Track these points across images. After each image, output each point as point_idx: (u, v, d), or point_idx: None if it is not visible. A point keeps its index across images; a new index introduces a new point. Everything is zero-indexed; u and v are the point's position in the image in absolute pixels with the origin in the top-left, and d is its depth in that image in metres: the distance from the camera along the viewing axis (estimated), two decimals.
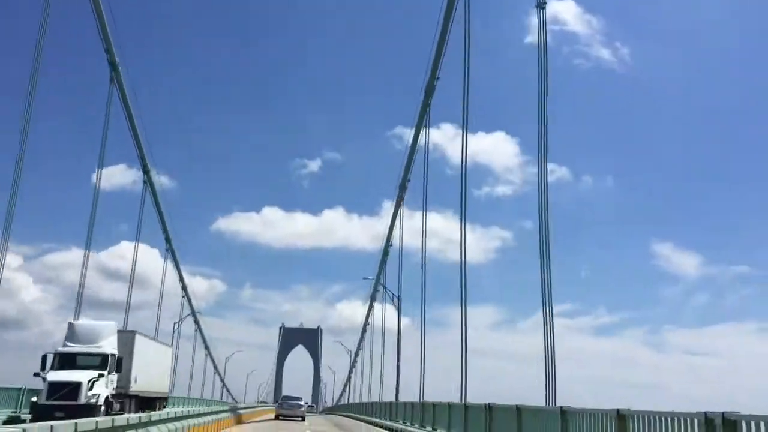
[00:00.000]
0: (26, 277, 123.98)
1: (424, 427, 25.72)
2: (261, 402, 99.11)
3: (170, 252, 51.31)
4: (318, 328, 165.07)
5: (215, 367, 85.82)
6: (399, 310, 39.63)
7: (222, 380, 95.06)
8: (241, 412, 38.15)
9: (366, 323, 64.29)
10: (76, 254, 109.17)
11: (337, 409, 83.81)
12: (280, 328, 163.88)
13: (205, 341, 76.61)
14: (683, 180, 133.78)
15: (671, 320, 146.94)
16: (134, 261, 41.75)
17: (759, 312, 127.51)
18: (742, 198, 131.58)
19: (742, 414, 7.37)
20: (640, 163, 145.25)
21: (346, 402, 79.79)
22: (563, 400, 16.53)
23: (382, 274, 47.94)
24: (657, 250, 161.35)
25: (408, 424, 29.98)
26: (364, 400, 57.10)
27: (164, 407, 32.30)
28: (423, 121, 34.75)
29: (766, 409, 8.17)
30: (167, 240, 49.82)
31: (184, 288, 61.09)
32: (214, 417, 23.88)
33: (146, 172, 41.28)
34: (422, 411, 27.96)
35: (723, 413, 7.54)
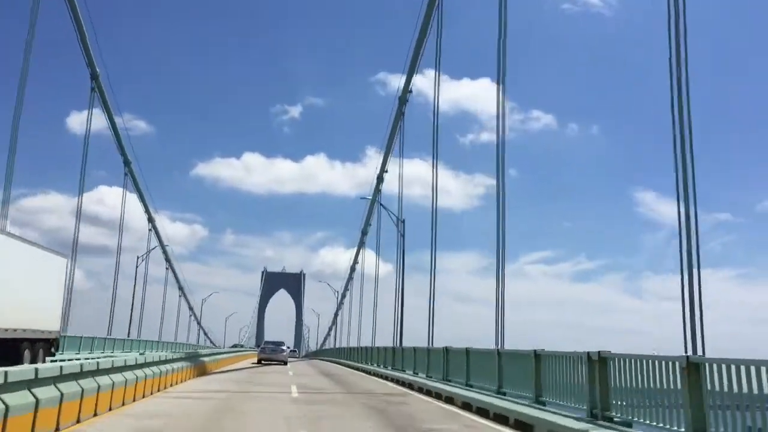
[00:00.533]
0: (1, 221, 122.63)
1: (401, 370, 27.33)
2: (237, 346, 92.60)
3: (131, 178, 50.96)
4: (301, 272, 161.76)
5: (191, 308, 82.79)
6: (401, 247, 37.23)
7: (198, 323, 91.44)
8: (206, 359, 26.81)
9: (355, 263, 62.50)
10: (52, 199, 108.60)
11: (320, 353, 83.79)
12: (263, 272, 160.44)
13: (178, 280, 74.13)
14: (668, 128, 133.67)
15: (651, 267, 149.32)
16: (81, 192, 41.36)
17: (738, 259, 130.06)
18: (726, 146, 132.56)
19: (706, 357, 8.21)
20: (626, 111, 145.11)
21: (332, 347, 78.59)
22: (539, 342, 17.51)
23: (376, 199, 47.55)
24: (640, 198, 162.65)
25: (382, 366, 32.01)
26: (351, 344, 57.62)
27: (52, 353, 22.59)
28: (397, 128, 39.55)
29: (740, 352, 8.90)
30: (125, 163, 49.97)
31: (150, 220, 59.26)
32: (149, 372, 14.55)
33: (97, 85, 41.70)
34: (393, 355, 30.05)
35: (687, 357, 8.23)
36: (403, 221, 37.99)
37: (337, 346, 71.70)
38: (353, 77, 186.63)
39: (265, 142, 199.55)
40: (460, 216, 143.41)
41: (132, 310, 52.85)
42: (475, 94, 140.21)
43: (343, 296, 69.88)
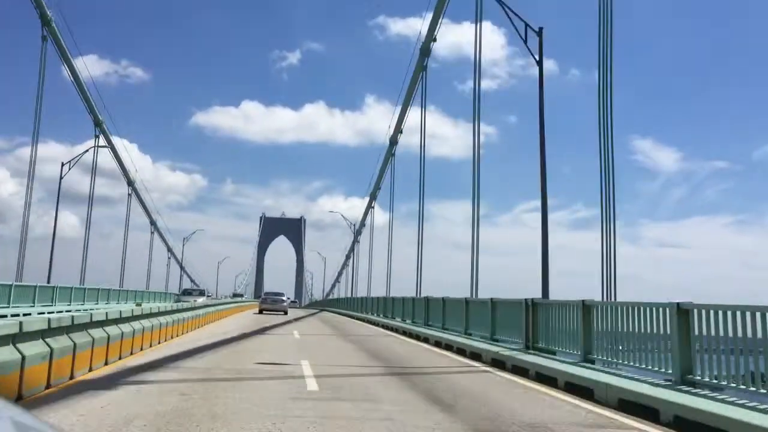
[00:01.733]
0: (2, 171, 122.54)
1: (388, 317, 30.21)
2: (237, 296, 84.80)
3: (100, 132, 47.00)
4: (301, 218, 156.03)
5: (169, 250, 75.61)
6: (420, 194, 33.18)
7: (182, 268, 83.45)
8: (186, 315, 19.43)
9: (363, 222, 57.86)
10: (51, 148, 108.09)
11: (321, 304, 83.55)
12: (261, 218, 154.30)
13: (153, 222, 68.25)
14: (667, 75, 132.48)
15: (647, 215, 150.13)
16: (35, 144, 37.20)
17: (734, 206, 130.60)
18: (724, 94, 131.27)
19: (694, 303, 8.24)
20: (626, 57, 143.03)
21: (339, 296, 76.05)
22: (533, 290, 18.02)
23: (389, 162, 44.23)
24: (637, 145, 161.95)
25: (377, 315, 33.68)
26: (359, 295, 55.92)
27: None
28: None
29: (730, 295, 9.07)
30: (96, 123, 46.70)
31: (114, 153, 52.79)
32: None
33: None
34: (384, 305, 31.94)
35: (678, 304, 8.43)
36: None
37: (345, 295, 68.08)
38: (352, 22, 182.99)
39: (264, 89, 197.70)
40: (458, 164, 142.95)
41: (85, 254, 47.60)
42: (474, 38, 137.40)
43: (352, 248, 65.32)
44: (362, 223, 58.91)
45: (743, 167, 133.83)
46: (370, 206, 52.79)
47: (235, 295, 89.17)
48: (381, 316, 31.84)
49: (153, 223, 69.25)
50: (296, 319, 33.26)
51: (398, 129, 40.91)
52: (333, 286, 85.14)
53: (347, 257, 70.92)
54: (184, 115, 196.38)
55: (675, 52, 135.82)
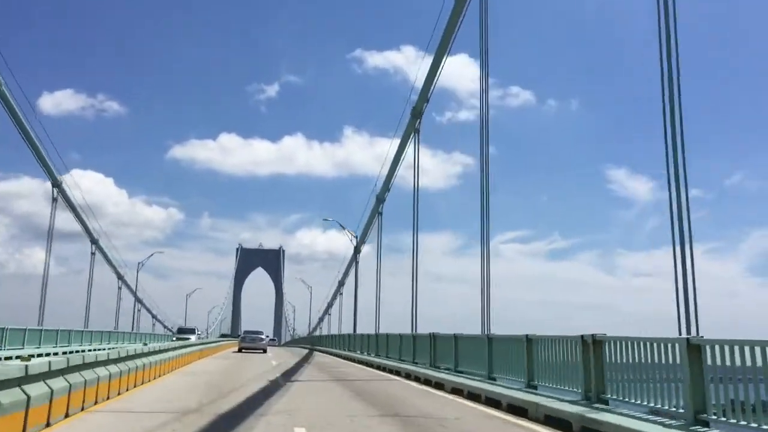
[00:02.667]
0: None
1: (374, 355, 29.35)
2: (222, 336, 76.56)
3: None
4: (280, 248, 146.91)
5: (125, 287, 69.73)
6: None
7: (139, 301, 75.35)
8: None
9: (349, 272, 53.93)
10: (25, 183, 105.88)
11: (306, 341, 77.42)
12: (237, 249, 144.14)
13: (120, 276, 65.30)
14: (642, 104, 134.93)
15: (623, 244, 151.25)
16: None
17: (706, 235, 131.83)
18: (696, 124, 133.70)
19: (608, 335, 9.05)
20: (603, 87, 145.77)
21: (325, 332, 70.78)
22: (512, 320, 17.80)
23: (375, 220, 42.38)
24: (612, 175, 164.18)
25: (358, 352, 33.87)
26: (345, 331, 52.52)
27: None
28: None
29: (706, 323, 9.20)
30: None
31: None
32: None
33: None
34: (368, 342, 32.69)
35: (593, 335, 9.41)
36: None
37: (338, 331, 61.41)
38: (330, 54, 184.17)
39: (241, 122, 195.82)
40: (436, 196, 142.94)
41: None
42: (452, 71, 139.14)
43: (342, 283, 60.68)
44: (351, 263, 53.36)
45: (715, 195, 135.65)
46: (354, 260, 49.93)
47: (222, 336, 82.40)
48: (366, 354, 30.83)
49: (120, 277, 67.55)
50: (286, 377, 27.13)
51: (386, 187, 39.33)
52: (320, 321, 78.25)
53: (331, 300, 68.22)
54: (161, 148, 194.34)
55: (651, 79, 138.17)
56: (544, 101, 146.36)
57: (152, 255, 75.04)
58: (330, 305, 69.79)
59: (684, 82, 12.41)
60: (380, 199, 40.27)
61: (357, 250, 48.72)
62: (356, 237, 47.93)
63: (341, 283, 60.30)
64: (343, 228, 49.51)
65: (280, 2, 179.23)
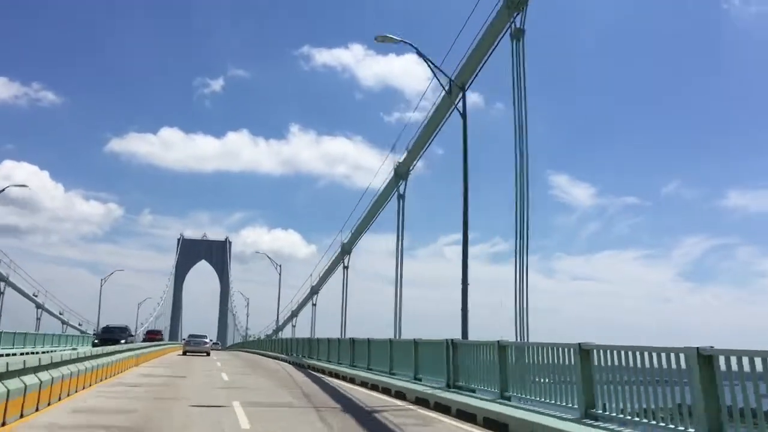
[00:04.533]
0: None
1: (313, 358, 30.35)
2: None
3: None
4: (226, 239, 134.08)
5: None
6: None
7: (34, 301, 70.88)
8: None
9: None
10: None
11: (247, 345, 75.31)
12: (179, 239, 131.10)
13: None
14: (581, 113, 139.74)
15: (563, 248, 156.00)
16: None
17: (642, 240, 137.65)
18: (635, 134, 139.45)
19: (511, 341, 8.97)
20: (551, 95, 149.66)
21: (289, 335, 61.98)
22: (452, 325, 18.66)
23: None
24: (554, 180, 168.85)
25: (300, 356, 33.92)
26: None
27: None
28: None
29: (639, 325, 10.32)
30: None
31: None
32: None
33: None
34: (305, 345, 32.98)
35: (509, 343, 9.51)
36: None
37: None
38: (277, 50, 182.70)
39: (184, 116, 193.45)
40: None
41: None
42: (401, 71, 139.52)
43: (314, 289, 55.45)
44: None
45: (652, 203, 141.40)
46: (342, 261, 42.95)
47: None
48: (313, 359, 31.71)
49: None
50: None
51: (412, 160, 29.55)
52: (286, 321, 70.21)
53: (306, 301, 60.45)
54: (99, 141, 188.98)
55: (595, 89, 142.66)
56: (492, 105, 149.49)
57: (113, 273, 73.27)
58: (300, 307, 63.27)
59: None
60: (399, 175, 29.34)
61: (347, 252, 41.92)
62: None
63: (314, 291, 56.10)
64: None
65: None
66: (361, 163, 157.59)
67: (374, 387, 17.33)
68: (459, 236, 18.16)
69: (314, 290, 55.74)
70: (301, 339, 38.97)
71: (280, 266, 60.45)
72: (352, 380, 20.07)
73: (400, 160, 28.62)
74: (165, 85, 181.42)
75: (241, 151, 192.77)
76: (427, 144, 26.22)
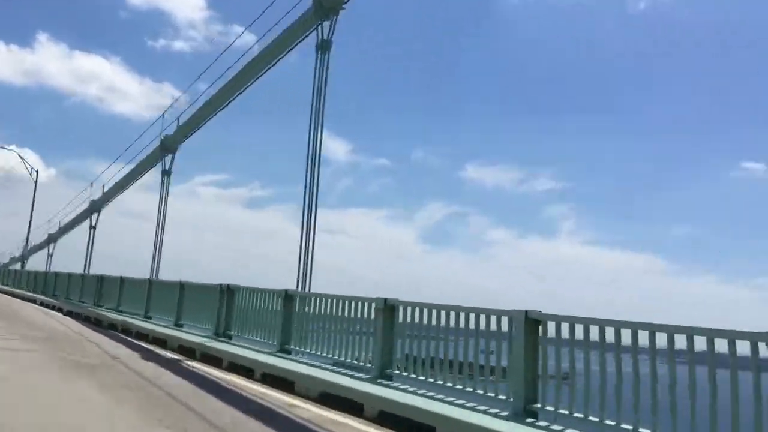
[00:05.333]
0: None
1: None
2: None
3: None
4: None
5: None
6: None
7: None
8: None
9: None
10: None
11: None
12: None
13: None
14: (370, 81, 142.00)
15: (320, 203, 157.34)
16: None
17: (391, 201, 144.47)
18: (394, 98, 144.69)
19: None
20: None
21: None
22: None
23: None
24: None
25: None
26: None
27: None
28: None
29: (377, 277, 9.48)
30: None
31: None
32: None
33: None
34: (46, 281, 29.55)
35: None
36: None
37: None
38: None
39: None
40: (140, 126, 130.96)
41: None
42: None
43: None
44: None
45: (402, 166, 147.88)
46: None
47: None
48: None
49: None
50: None
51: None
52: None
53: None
54: None
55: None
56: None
57: None
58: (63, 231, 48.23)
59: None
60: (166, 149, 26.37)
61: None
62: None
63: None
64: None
65: None
66: (117, 85, 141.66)
67: (126, 331, 15.11)
68: (215, 177, 16.68)
69: (95, 207, 39.74)
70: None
71: (37, 171, 50.84)
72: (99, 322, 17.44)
73: (170, 134, 25.38)
74: None
75: None
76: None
